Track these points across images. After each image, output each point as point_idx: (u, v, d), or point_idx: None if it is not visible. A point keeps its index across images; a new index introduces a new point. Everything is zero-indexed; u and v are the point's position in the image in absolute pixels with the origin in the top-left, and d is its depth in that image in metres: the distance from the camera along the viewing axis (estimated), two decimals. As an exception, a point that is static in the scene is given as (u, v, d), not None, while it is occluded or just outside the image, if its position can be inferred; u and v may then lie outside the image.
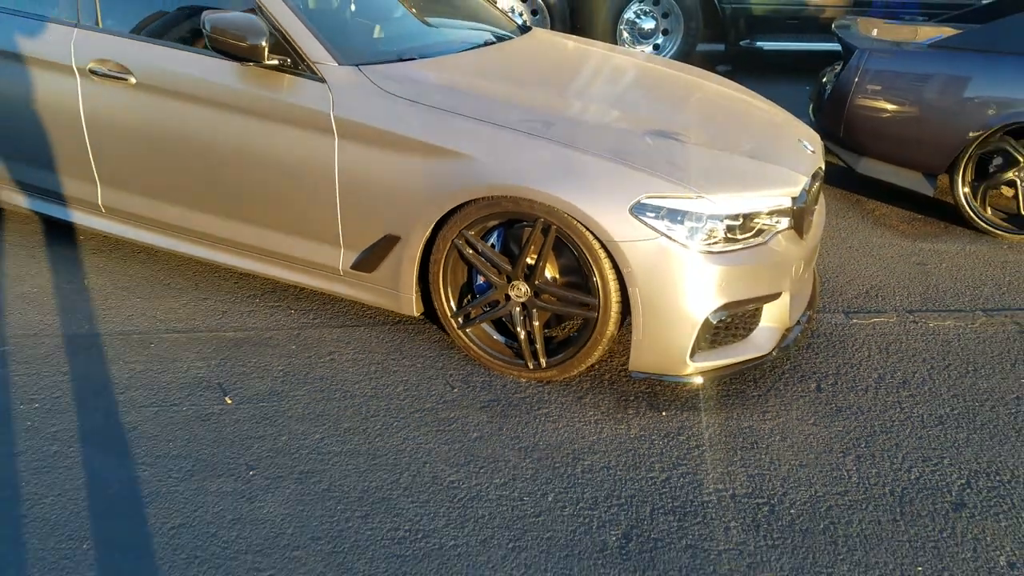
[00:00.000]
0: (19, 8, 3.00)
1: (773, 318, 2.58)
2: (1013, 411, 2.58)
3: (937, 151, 4.06)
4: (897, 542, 2.02)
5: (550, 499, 2.10)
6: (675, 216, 2.30)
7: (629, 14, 7.69)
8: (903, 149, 4.18)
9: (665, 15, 7.75)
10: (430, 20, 3.52)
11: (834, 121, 4.40)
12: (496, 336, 2.70)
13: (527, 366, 2.60)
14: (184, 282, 3.14)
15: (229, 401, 2.43)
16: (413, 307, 2.72)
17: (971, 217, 4.05)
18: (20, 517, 1.95)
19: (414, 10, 3.51)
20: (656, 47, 7.79)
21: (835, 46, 7.50)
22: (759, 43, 7.86)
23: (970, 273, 3.59)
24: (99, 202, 3.09)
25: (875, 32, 4.68)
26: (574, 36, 3.84)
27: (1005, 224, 4.03)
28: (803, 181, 2.56)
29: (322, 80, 2.60)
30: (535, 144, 2.39)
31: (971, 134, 3.90)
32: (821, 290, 3.38)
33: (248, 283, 3.16)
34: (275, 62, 2.59)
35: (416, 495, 2.09)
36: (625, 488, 2.15)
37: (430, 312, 2.76)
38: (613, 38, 7.65)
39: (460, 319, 2.67)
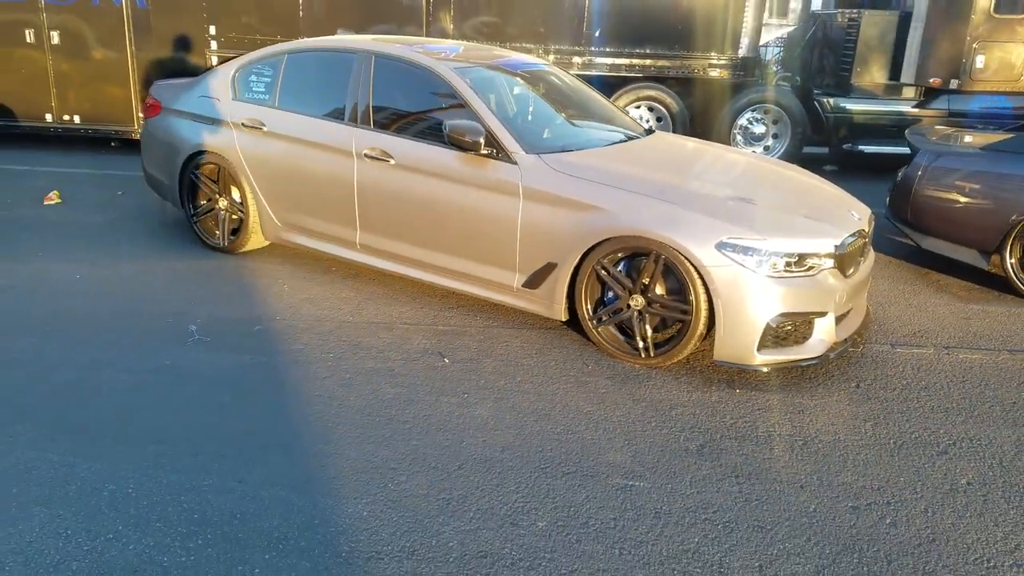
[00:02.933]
0: (320, 113, 4.65)
1: (823, 332, 3.64)
2: (1008, 410, 3.48)
3: (987, 233, 4.98)
4: (890, 465, 2.99)
5: (653, 424, 3.24)
6: (746, 251, 3.47)
7: (742, 120, 8.95)
8: (959, 230, 5.13)
9: (775, 121, 8.95)
10: (581, 124, 4.92)
11: (903, 207, 5.42)
12: (618, 334, 3.89)
13: (640, 355, 3.77)
14: (406, 296, 4.57)
15: (447, 361, 3.75)
16: (562, 314, 3.98)
17: (1018, 286, 4.91)
18: (339, 406, 3.31)
19: (570, 119, 4.92)
20: (766, 148, 8.96)
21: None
22: (860, 147, 8.89)
23: (1007, 327, 4.45)
24: (356, 241, 4.61)
25: (942, 137, 5.70)
26: (688, 137, 5.13)
27: (1050, 293, 4.85)
28: (843, 235, 3.67)
29: (514, 163, 4.00)
30: (653, 203, 3.65)
31: (1014, 218, 4.82)
32: (874, 328, 4.36)
33: (447, 297, 4.54)
34: (486, 152, 4.03)
35: (566, 414, 3.29)
36: (704, 424, 3.26)
37: (570, 320, 4.00)
38: (728, 141, 8.91)
39: (595, 321, 3.90)
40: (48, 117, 8.40)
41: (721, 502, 2.71)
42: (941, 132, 5.92)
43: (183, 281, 4.73)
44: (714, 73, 8.58)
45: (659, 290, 3.73)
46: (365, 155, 4.42)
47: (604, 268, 3.79)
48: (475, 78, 4.39)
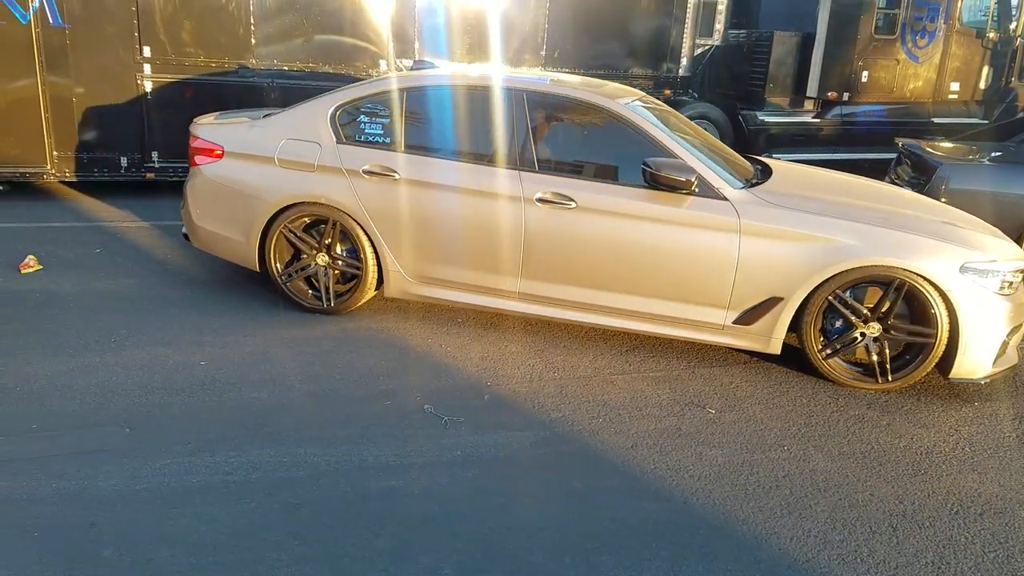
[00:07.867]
0: (465, 157, 4.20)
1: (1015, 341, 4.02)
2: None
3: (1007, 229, 5.78)
4: None
5: (968, 450, 3.38)
6: (983, 273, 3.73)
7: (677, 135, 9.44)
8: (982, 231, 5.90)
9: (703, 135, 9.54)
10: (720, 155, 4.79)
11: (927, 214, 6.09)
12: (845, 365, 3.99)
13: (876, 381, 3.90)
14: (572, 343, 4.28)
15: (712, 411, 3.60)
16: (779, 348, 3.99)
17: (1034, 276, 5.77)
18: (691, 476, 3.03)
19: (709, 152, 4.76)
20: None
21: (829, 156, 9.67)
22: (775, 154, 9.76)
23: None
24: (516, 290, 4.21)
25: (938, 151, 6.49)
26: (796, 164, 5.25)
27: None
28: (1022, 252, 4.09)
29: (724, 199, 3.92)
30: (887, 232, 3.78)
31: (1029, 219, 5.66)
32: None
33: (616, 340, 4.33)
34: (695, 189, 3.90)
35: (889, 454, 3.32)
36: (1001, 441, 3.47)
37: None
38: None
39: (825, 353, 3.95)
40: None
41: (1123, 515, 2.94)
42: (932, 144, 6.75)
43: (332, 352, 4.00)
44: (659, 90, 8.96)
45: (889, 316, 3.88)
46: (537, 200, 4.06)
47: (839, 298, 3.86)
48: (649, 116, 4.22)
